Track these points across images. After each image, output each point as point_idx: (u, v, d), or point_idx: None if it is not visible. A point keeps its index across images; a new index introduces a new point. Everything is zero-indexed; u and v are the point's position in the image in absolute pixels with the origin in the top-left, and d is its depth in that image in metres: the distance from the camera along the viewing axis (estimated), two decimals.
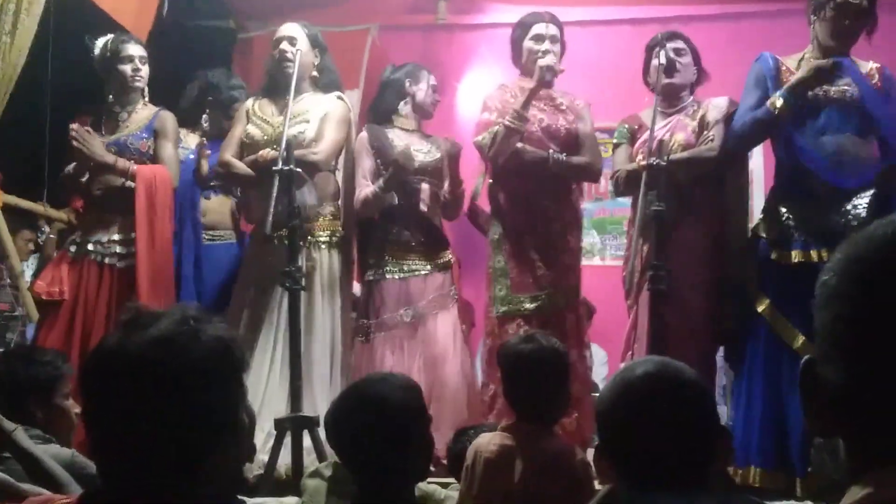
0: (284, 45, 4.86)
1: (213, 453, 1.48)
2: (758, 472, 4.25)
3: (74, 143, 4.81)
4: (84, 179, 5.00)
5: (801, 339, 4.21)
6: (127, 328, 1.50)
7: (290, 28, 4.95)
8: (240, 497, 1.89)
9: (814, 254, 4.28)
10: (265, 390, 4.57)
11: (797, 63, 4.48)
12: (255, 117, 4.95)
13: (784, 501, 4.06)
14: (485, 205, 5.23)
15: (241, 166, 4.83)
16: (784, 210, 4.41)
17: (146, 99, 5.08)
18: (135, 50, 5.00)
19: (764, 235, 4.44)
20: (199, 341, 1.48)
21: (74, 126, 4.85)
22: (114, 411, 1.46)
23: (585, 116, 5.00)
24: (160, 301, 4.69)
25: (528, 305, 4.77)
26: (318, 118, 4.89)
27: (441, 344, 4.92)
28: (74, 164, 5.00)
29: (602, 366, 6.33)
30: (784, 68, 4.48)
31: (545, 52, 4.83)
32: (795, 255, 4.33)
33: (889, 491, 0.85)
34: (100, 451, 1.50)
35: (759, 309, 4.37)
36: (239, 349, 1.56)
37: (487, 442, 3.12)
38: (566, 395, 3.25)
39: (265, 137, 4.82)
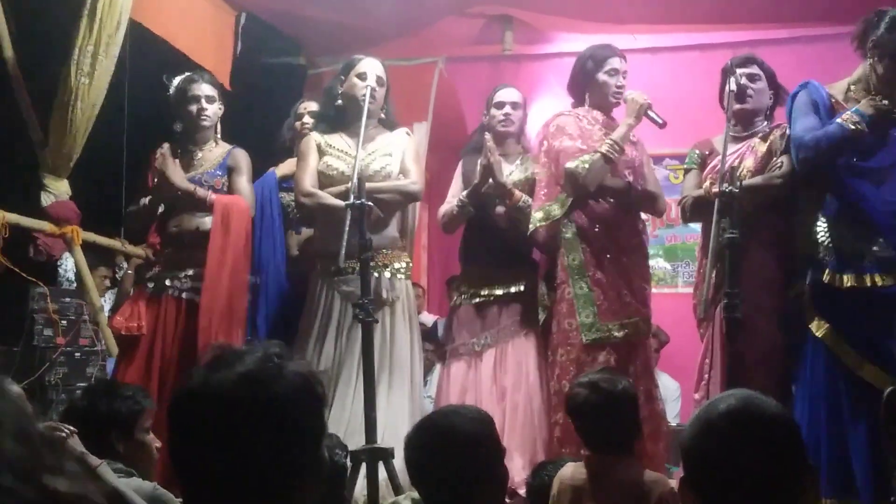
0: (372, 82, 4.88)
1: (296, 489, 1.51)
2: (828, 503, 4.16)
3: (158, 162, 4.92)
4: (159, 211, 5.10)
5: (867, 365, 4.13)
6: (211, 365, 1.54)
7: (375, 65, 4.98)
8: None
9: (867, 278, 4.20)
10: (348, 422, 4.61)
11: (843, 94, 4.41)
12: (332, 149, 4.98)
13: None
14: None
15: (329, 197, 4.85)
16: (834, 233, 4.33)
17: (219, 136, 5.17)
18: (202, 90, 5.06)
19: (816, 257, 4.36)
20: (282, 378, 1.51)
21: (164, 149, 4.96)
22: (200, 448, 1.50)
23: (645, 153, 5.06)
24: (227, 332, 4.76)
25: (616, 333, 4.73)
26: (399, 152, 4.98)
27: (512, 373, 4.93)
28: (147, 198, 5.09)
29: (675, 401, 6.26)
30: (834, 100, 4.42)
31: (622, 87, 4.89)
32: (848, 280, 4.24)
33: None
34: (187, 487, 1.54)
35: (819, 334, 4.29)
36: (320, 385, 1.59)
37: (572, 472, 3.21)
38: (639, 424, 3.33)
39: (351, 170, 4.84)
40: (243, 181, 5.08)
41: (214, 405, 1.49)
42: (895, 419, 0.92)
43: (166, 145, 4.99)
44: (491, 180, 4.99)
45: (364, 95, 4.79)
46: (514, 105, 5.23)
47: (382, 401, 4.67)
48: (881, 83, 4.31)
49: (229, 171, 5.06)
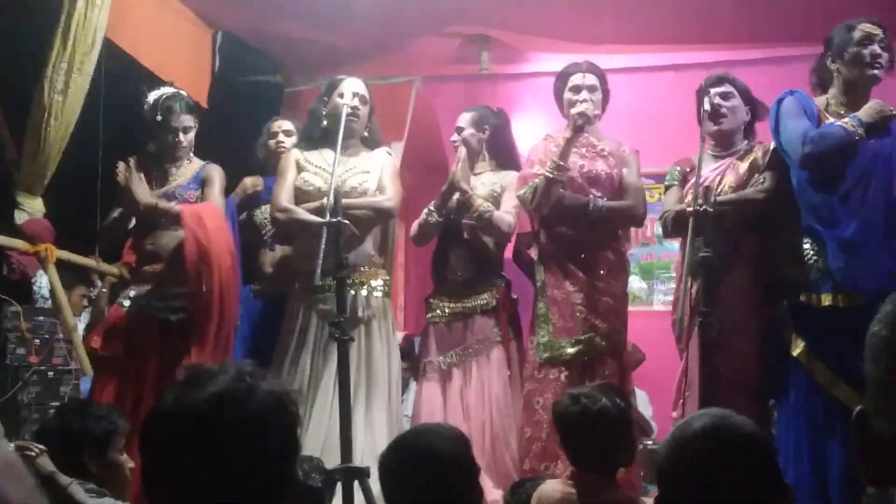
0: (356, 102, 4.95)
1: None
2: None
3: (120, 178, 4.88)
4: (131, 225, 5.05)
5: (840, 384, 4.16)
6: (184, 385, 1.54)
7: (358, 84, 5.03)
8: None
9: (840, 297, 4.22)
10: (325, 441, 4.59)
11: (825, 107, 4.45)
12: (311, 166, 4.99)
13: None
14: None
15: (303, 212, 4.85)
16: (809, 251, 4.35)
17: (191, 153, 5.14)
18: (181, 121, 4.96)
19: (798, 275, 4.37)
20: (254, 397, 1.51)
21: (130, 163, 4.91)
22: (173, 468, 1.48)
23: (631, 162, 5.03)
24: (217, 349, 4.71)
25: (568, 350, 4.78)
26: (377, 170, 5.00)
27: (475, 392, 4.96)
28: (117, 212, 5.06)
29: (646, 405, 6.27)
30: (819, 110, 4.46)
31: (582, 102, 4.89)
32: (825, 299, 4.27)
33: None
34: None
35: (795, 353, 4.32)
36: (293, 405, 1.58)
37: (552, 489, 3.16)
38: (625, 447, 3.26)
39: (327, 186, 4.80)
40: (215, 193, 5.03)
41: (186, 425, 1.48)
42: (865, 439, 0.93)
43: (131, 160, 4.95)
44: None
45: (348, 115, 4.82)
46: (459, 130, 5.29)
47: (360, 419, 4.66)
48: (848, 94, 4.40)
49: (202, 184, 5.03)
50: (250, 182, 5.57)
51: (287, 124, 5.59)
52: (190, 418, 1.48)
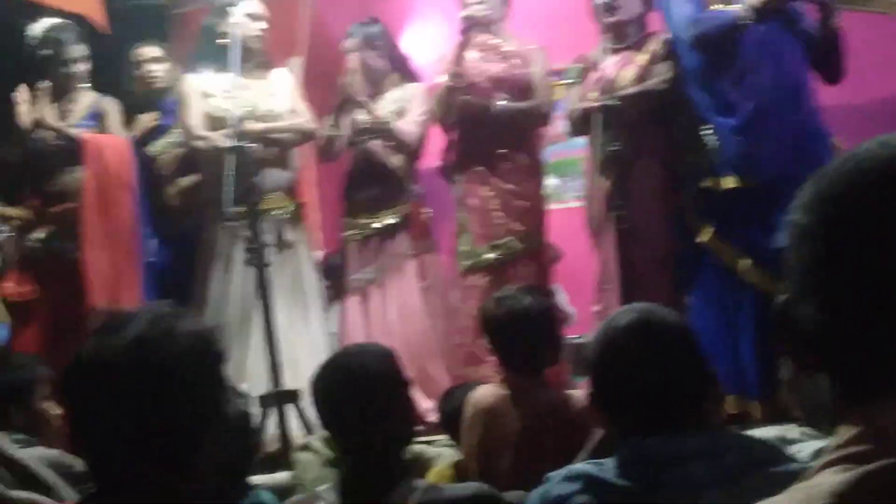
0: (260, 23, 4.86)
1: (201, 448, 1.48)
2: (730, 399, 4.28)
3: (23, 106, 4.75)
4: (22, 166, 4.91)
5: (746, 263, 4.24)
6: (100, 333, 1.50)
7: (255, 4, 4.90)
8: None
9: (742, 180, 4.28)
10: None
11: None
12: (219, 90, 4.76)
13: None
14: None
15: (223, 138, 4.61)
16: (706, 137, 4.40)
17: (86, 84, 5.00)
18: (72, 52, 4.91)
19: (700, 162, 4.43)
20: (174, 338, 1.48)
21: (23, 91, 4.79)
22: (97, 418, 1.46)
23: (536, 60, 5.00)
24: (125, 284, 4.63)
25: (488, 256, 4.83)
26: (285, 91, 4.93)
27: (395, 307, 4.99)
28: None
29: (563, 299, 6.35)
30: None
31: (474, 4, 4.84)
32: (727, 182, 4.33)
33: (874, 428, 0.85)
34: (89, 456, 1.50)
35: (703, 238, 4.39)
36: (217, 341, 1.56)
37: (484, 394, 3.18)
38: (553, 345, 3.28)
39: (243, 111, 4.64)
40: (116, 127, 4.94)
41: (106, 373, 1.45)
42: (785, 330, 0.95)
43: (46, 83, 4.82)
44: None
45: (254, 37, 4.78)
46: (356, 45, 5.12)
47: (303, 342, 4.67)
48: None
49: (100, 118, 4.91)
50: (147, 118, 5.37)
51: (153, 50, 5.32)
52: (109, 367, 1.45)
